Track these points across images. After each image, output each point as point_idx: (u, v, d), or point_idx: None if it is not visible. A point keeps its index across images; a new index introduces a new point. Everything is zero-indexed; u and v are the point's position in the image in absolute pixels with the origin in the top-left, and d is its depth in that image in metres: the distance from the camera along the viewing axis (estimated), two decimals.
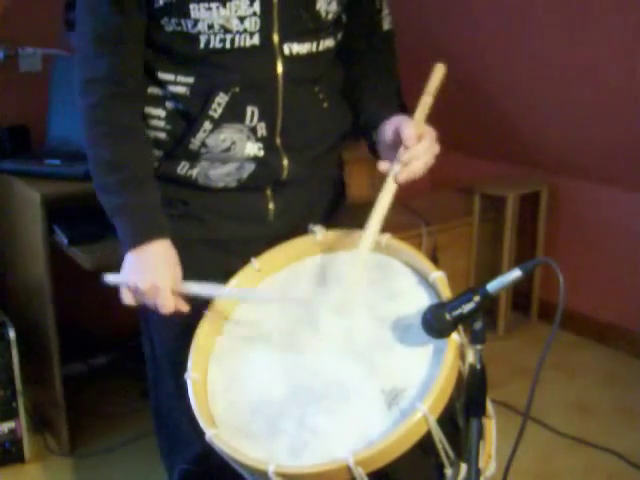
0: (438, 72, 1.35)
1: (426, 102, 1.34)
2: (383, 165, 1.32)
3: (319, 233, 1.37)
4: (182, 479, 1.55)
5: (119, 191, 1.35)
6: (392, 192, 1.31)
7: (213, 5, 1.29)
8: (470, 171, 3.61)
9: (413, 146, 1.28)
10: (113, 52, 1.34)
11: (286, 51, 1.37)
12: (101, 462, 2.49)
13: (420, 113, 1.33)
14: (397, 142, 1.31)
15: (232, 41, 1.33)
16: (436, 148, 1.32)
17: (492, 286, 1.13)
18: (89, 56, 1.36)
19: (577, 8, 2.69)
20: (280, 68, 1.37)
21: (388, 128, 1.35)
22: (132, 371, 2.89)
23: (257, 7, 1.31)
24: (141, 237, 1.34)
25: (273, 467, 1.08)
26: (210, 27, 1.31)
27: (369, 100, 1.48)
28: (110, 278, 1.36)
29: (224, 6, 1.30)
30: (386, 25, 1.52)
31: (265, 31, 1.34)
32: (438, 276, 1.22)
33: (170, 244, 1.36)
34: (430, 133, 1.31)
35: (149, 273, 1.32)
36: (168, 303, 1.32)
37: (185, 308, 1.35)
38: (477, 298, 1.12)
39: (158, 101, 1.41)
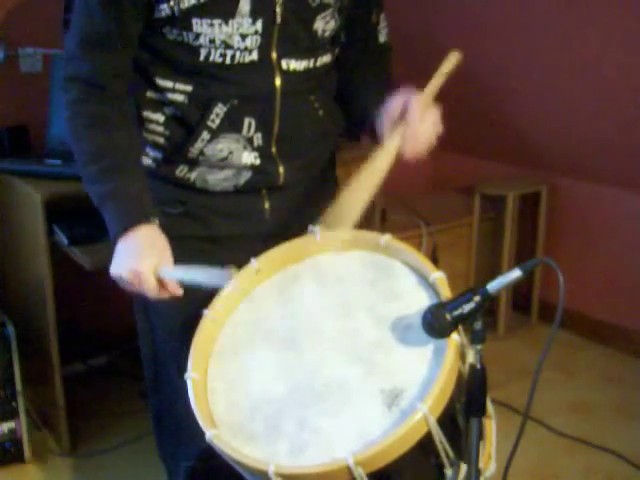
0: (453, 58, 1.39)
1: (438, 81, 1.36)
2: (386, 133, 1.35)
3: (319, 233, 1.37)
4: (188, 477, 1.55)
5: (102, 179, 1.34)
6: (389, 157, 1.34)
7: (215, 22, 1.30)
8: (470, 171, 3.61)
9: (419, 117, 1.31)
10: (97, 57, 1.35)
11: (284, 66, 1.39)
12: (101, 462, 2.49)
13: (430, 89, 1.35)
14: (402, 114, 1.33)
15: (232, 57, 1.34)
16: (439, 127, 1.34)
17: (492, 286, 1.13)
18: (74, 56, 1.36)
19: (577, 8, 2.69)
20: (278, 82, 1.39)
21: (395, 99, 1.36)
22: (132, 371, 2.89)
23: (259, 26, 1.33)
24: (125, 224, 1.31)
25: (273, 467, 1.08)
26: (211, 42, 1.32)
27: (370, 88, 1.50)
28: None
29: (226, 23, 1.31)
30: (382, 38, 1.54)
31: (264, 48, 1.35)
32: (438, 276, 1.22)
33: (157, 229, 1.33)
34: (436, 112, 1.34)
35: (131, 260, 1.28)
36: (152, 287, 1.27)
37: (179, 292, 1.30)
38: (477, 298, 1.12)
39: (157, 106, 1.42)
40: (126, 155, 1.37)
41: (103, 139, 1.35)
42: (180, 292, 1.31)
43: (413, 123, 1.31)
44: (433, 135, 1.33)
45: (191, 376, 1.24)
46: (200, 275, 1.31)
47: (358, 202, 1.34)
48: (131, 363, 2.95)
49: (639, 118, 2.78)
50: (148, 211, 1.34)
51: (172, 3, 1.29)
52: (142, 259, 1.28)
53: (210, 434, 1.15)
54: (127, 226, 1.31)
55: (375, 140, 1.43)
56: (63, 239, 2.35)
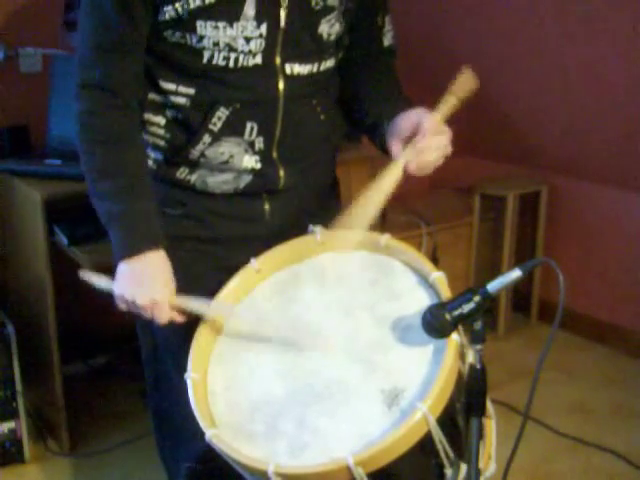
0: (468, 80, 1.34)
1: (450, 101, 1.32)
2: (396, 149, 1.33)
3: (319, 233, 1.37)
4: (188, 477, 1.55)
5: (114, 198, 1.34)
6: (397, 174, 1.30)
7: (220, 24, 1.30)
8: (470, 171, 3.61)
9: (431, 136, 1.28)
10: (112, 61, 1.33)
11: (287, 71, 1.38)
12: (101, 462, 2.49)
13: (442, 110, 1.32)
14: (414, 133, 1.31)
15: (236, 60, 1.34)
16: (448, 149, 1.32)
17: (492, 286, 1.13)
18: (87, 63, 1.35)
19: (577, 8, 2.69)
20: (281, 86, 1.39)
21: (407, 119, 1.34)
22: (132, 371, 2.88)
23: (264, 29, 1.33)
24: (136, 247, 1.32)
25: (273, 467, 1.08)
26: (215, 44, 1.32)
27: (378, 97, 1.48)
28: (93, 278, 1.34)
29: (231, 26, 1.31)
30: (387, 41, 1.53)
31: (268, 52, 1.35)
32: (438, 276, 1.22)
33: (165, 255, 1.35)
34: (447, 133, 1.31)
35: (146, 287, 1.31)
36: (165, 316, 1.33)
37: (180, 319, 1.35)
38: (477, 298, 1.12)
39: (158, 108, 1.41)
40: (138, 175, 1.37)
41: (115, 156, 1.35)
42: (182, 319, 1.35)
43: (424, 141, 1.29)
44: (441, 156, 1.31)
45: (191, 376, 1.24)
46: (203, 306, 1.32)
47: (365, 216, 1.31)
48: (131, 363, 2.94)
49: (639, 118, 2.78)
50: (158, 236, 1.35)
51: (177, 5, 1.29)
52: (159, 289, 1.31)
53: (210, 434, 1.15)
54: (136, 250, 1.32)
55: (383, 152, 1.42)
56: (63, 239, 2.35)
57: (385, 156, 1.40)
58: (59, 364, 2.44)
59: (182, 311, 1.34)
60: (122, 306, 1.35)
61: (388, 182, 1.30)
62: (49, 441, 2.58)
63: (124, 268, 1.33)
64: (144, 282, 1.31)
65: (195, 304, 1.32)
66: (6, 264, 2.71)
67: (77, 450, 2.54)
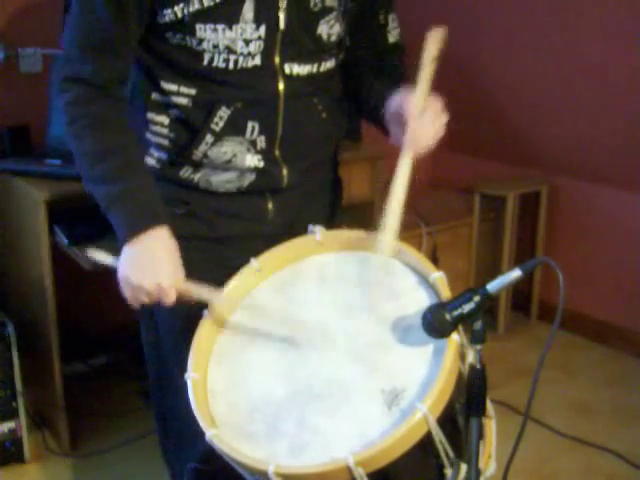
0: (435, 38, 1.32)
1: (425, 73, 1.31)
2: (394, 133, 1.33)
3: (319, 233, 1.37)
4: (192, 478, 1.55)
5: (109, 180, 1.32)
6: (407, 174, 1.29)
7: (219, 27, 1.31)
8: (470, 171, 3.61)
9: (415, 120, 1.28)
10: (99, 59, 1.33)
11: (287, 71, 1.39)
12: (101, 462, 2.49)
13: (421, 86, 1.31)
14: (402, 118, 1.31)
15: (235, 62, 1.34)
16: (443, 117, 1.31)
17: (492, 286, 1.13)
18: (74, 58, 1.35)
19: (580, 8, 2.69)
20: (281, 86, 1.39)
21: (392, 105, 1.34)
22: (132, 371, 2.89)
23: (262, 31, 1.33)
24: (138, 225, 1.29)
25: (273, 467, 1.08)
26: (215, 47, 1.33)
27: (377, 84, 1.48)
28: (99, 256, 1.31)
29: (230, 29, 1.31)
30: (392, 38, 1.52)
31: (266, 53, 1.35)
32: (438, 276, 1.22)
33: (169, 232, 1.32)
34: (435, 104, 1.31)
35: (152, 270, 1.27)
36: (172, 299, 1.29)
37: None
38: (477, 298, 1.12)
39: (161, 108, 1.42)
40: (133, 154, 1.36)
41: (109, 139, 1.34)
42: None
43: (412, 125, 1.28)
44: (439, 128, 1.30)
45: (191, 376, 1.24)
46: (211, 294, 1.31)
47: (397, 218, 1.29)
48: (131, 363, 2.95)
49: (639, 118, 2.78)
50: (159, 212, 1.33)
51: (176, 8, 1.29)
52: (165, 272, 1.28)
53: (210, 434, 1.15)
54: (138, 228, 1.29)
55: (387, 136, 1.41)
56: (63, 239, 2.35)
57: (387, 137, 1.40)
58: (59, 364, 2.44)
59: (188, 297, 1.31)
60: (128, 291, 1.30)
61: (402, 182, 1.29)
62: (49, 441, 2.58)
63: (128, 251, 1.30)
64: (150, 265, 1.28)
65: (202, 291, 1.30)
66: (6, 264, 2.71)
67: (77, 450, 2.54)
